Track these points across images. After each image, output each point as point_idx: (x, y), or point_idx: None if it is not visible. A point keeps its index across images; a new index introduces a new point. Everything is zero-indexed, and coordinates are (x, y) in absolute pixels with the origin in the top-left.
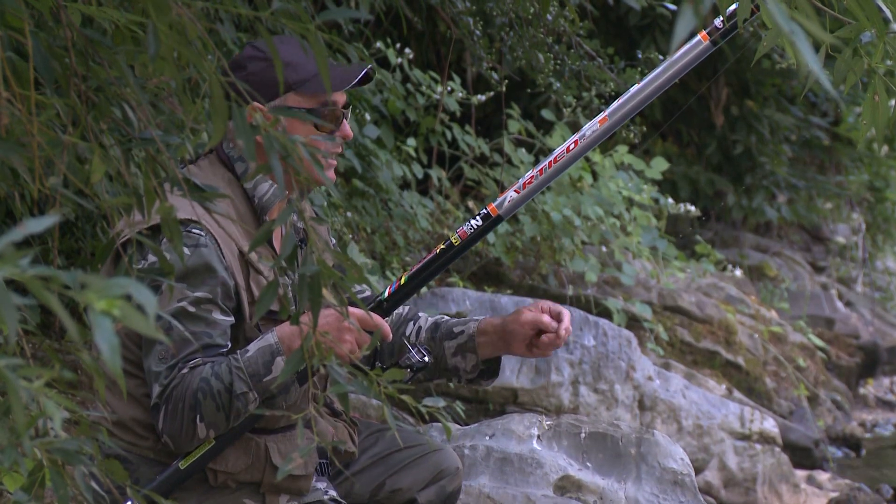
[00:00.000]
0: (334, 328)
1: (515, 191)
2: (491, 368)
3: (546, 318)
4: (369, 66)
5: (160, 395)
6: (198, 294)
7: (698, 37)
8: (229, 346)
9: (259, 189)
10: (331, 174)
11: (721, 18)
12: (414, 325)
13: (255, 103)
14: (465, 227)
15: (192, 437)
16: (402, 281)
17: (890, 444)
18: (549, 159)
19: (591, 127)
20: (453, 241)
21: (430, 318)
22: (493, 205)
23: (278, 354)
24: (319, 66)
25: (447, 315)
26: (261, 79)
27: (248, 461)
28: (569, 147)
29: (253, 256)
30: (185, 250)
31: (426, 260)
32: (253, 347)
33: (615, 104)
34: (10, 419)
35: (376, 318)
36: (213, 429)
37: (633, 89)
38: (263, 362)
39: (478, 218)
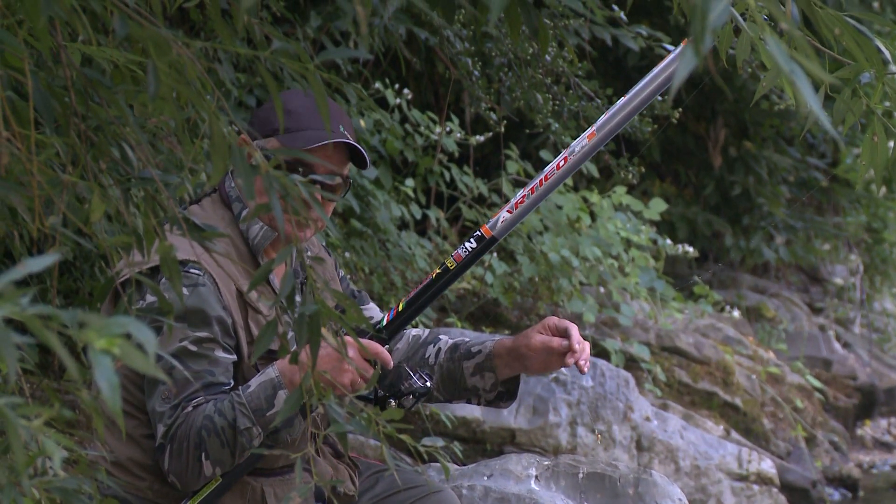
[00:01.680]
0: (334, 361)
1: (508, 211)
2: (510, 390)
3: (556, 342)
4: (354, 144)
5: (164, 435)
6: (199, 333)
7: (682, 45)
8: (232, 383)
9: (251, 231)
10: (302, 233)
11: None
12: (434, 346)
13: (243, 136)
14: (459, 251)
15: (199, 475)
16: (400, 307)
17: (887, 486)
18: (540, 177)
19: (580, 143)
20: (448, 265)
21: (450, 340)
22: (487, 226)
23: (280, 388)
24: (319, 104)
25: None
26: (263, 115)
27: None
28: (559, 164)
29: (252, 296)
30: (184, 290)
31: (423, 285)
32: (254, 383)
33: (603, 118)
34: (9, 458)
35: (375, 346)
36: (218, 466)
37: (620, 102)
38: (265, 397)
39: (472, 240)
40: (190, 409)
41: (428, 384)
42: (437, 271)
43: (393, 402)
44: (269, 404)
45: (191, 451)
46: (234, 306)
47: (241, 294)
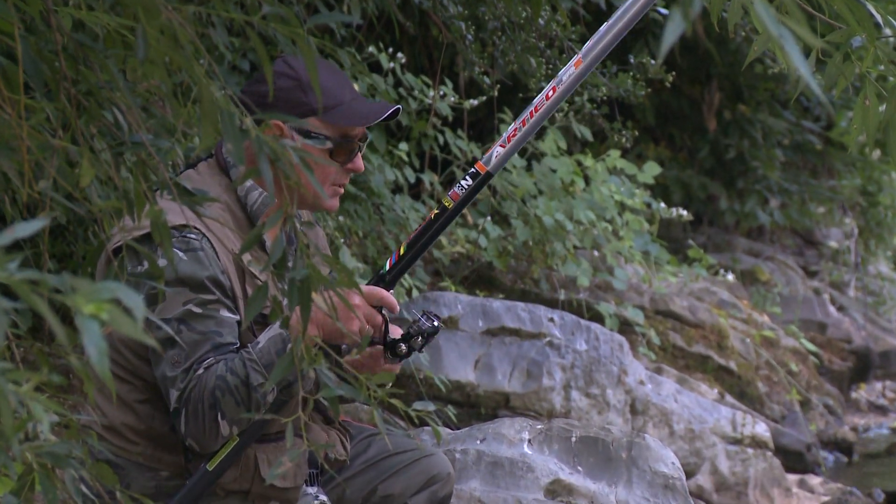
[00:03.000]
0: (340, 311)
1: (501, 145)
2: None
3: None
4: (397, 107)
5: (179, 399)
6: (203, 296)
7: None
8: (239, 343)
9: (250, 197)
10: (335, 202)
11: None
12: None
13: (276, 121)
14: (456, 189)
15: (216, 436)
16: (401, 251)
17: (882, 449)
18: (530, 109)
19: (567, 71)
20: (446, 203)
21: None
22: (481, 161)
23: (289, 342)
24: (309, 71)
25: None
26: (287, 97)
27: (237, 471)
28: (548, 94)
29: (248, 260)
30: (183, 255)
31: (422, 227)
32: (263, 338)
33: (588, 44)
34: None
35: (380, 291)
36: (235, 425)
37: (604, 27)
38: (276, 351)
39: (467, 177)
40: (202, 371)
41: (436, 324)
42: (435, 212)
43: (403, 346)
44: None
45: (206, 413)
46: (232, 270)
47: (238, 259)
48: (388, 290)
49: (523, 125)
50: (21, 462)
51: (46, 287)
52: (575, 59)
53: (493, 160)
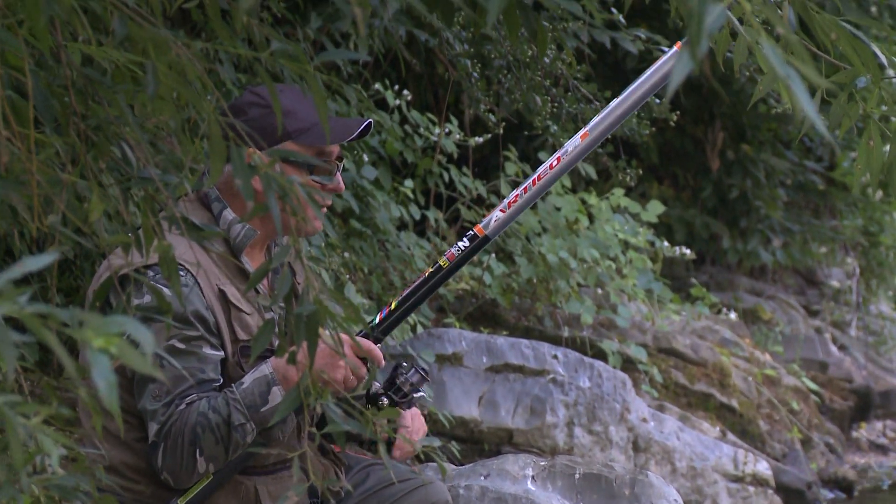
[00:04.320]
0: (327, 358)
1: (501, 210)
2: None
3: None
4: (369, 120)
5: (158, 433)
6: (186, 332)
7: (675, 48)
8: (221, 380)
9: (233, 230)
10: (320, 223)
11: None
12: None
13: (253, 149)
14: (452, 250)
15: (193, 471)
16: (393, 306)
17: (883, 487)
18: (533, 177)
19: (574, 143)
20: (442, 263)
21: None
22: (480, 225)
23: (274, 384)
24: (318, 107)
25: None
26: (260, 125)
27: (237, 503)
28: (552, 164)
29: (233, 294)
30: (167, 291)
31: (415, 284)
32: (248, 379)
33: (595, 119)
34: (7, 455)
35: (368, 343)
36: (212, 462)
37: (612, 104)
38: (259, 393)
39: (465, 240)
40: (183, 406)
41: (426, 379)
42: (430, 270)
43: (385, 400)
44: (262, 400)
45: (185, 448)
46: (217, 306)
47: (222, 293)
48: (377, 344)
49: (525, 192)
50: (29, 495)
51: (56, 321)
52: (581, 132)
53: (492, 224)
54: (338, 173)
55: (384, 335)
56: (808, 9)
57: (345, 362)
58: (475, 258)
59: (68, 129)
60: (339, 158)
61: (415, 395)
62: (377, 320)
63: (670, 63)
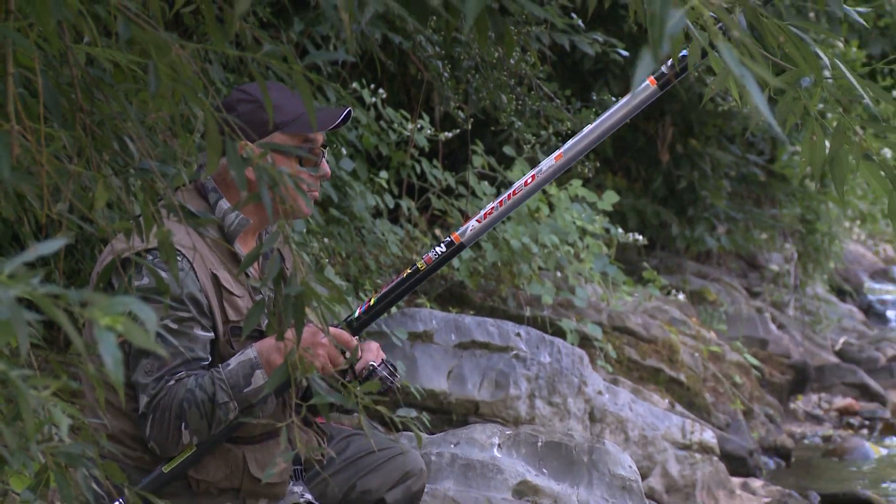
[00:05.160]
0: (309, 343)
1: (477, 220)
2: None
3: None
4: (349, 108)
5: (148, 405)
6: (179, 313)
7: (647, 81)
8: (210, 359)
9: (227, 218)
10: (310, 208)
11: (669, 64)
12: None
13: (245, 142)
14: (430, 254)
15: (177, 443)
16: (372, 302)
17: (817, 455)
18: (509, 192)
19: (548, 163)
20: (420, 266)
21: None
22: (457, 233)
23: (257, 367)
24: (305, 102)
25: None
26: (249, 119)
27: (227, 470)
28: (527, 181)
29: (225, 278)
30: (165, 274)
31: (394, 283)
32: (234, 361)
33: (570, 143)
34: (19, 425)
35: (346, 335)
36: (196, 435)
37: (586, 129)
38: (244, 375)
39: (442, 245)
40: (172, 382)
41: (396, 377)
42: (408, 271)
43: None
44: (246, 382)
45: (172, 421)
46: (210, 289)
47: (215, 277)
48: (355, 336)
49: (500, 205)
50: (37, 461)
51: (65, 301)
52: (556, 153)
53: (468, 233)
54: (323, 160)
55: (362, 329)
56: (758, 15)
57: (325, 350)
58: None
59: (74, 123)
60: (324, 146)
61: (392, 384)
62: (357, 314)
63: (643, 94)
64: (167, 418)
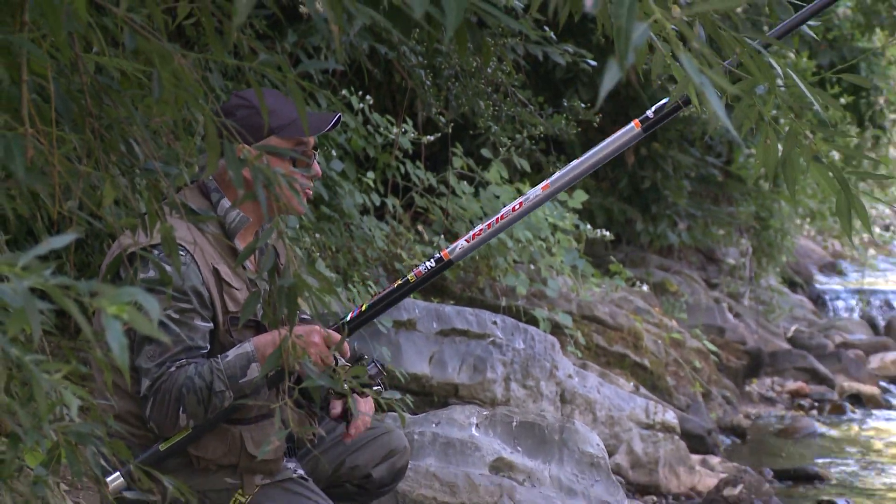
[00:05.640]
0: (303, 332)
1: (466, 240)
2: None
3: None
4: (339, 114)
5: (149, 388)
6: (181, 305)
7: (632, 124)
8: (209, 347)
9: (229, 216)
10: (301, 209)
11: (653, 109)
12: None
13: (242, 144)
14: (420, 268)
15: (175, 424)
16: (363, 308)
17: (770, 434)
18: (497, 216)
19: (535, 192)
20: (410, 278)
21: None
22: (446, 251)
23: (253, 361)
24: (298, 107)
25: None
26: (247, 123)
27: (226, 448)
28: (514, 207)
29: (225, 272)
30: (169, 269)
31: (386, 292)
32: (232, 353)
33: (556, 175)
34: (32, 406)
35: (338, 336)
36: (192, 419)
37: (572, 164)
38: (240, 366)
39: (432, 261)
40: (174, 368)
41: (383, 374)
42: (399, 282)
43: (345, 386)
44: (242, 373)
45: (171, 404)
46: (212, 282)
47: (216, 271)
48: (346, 338)
49: (488, 228)
50: (50, 439)
51: (75, 291)
52: (543, 184)
53: (457, 251)
54: (314, 161)
55: (354, 331)
56: (716, 27)
57: (315, 349)
58: (426, 238)
59: (84, 127)
60: (315, 148)
61: (373, 388)
62: (349, 318)
63: (627, 135)
64: (167, 402)
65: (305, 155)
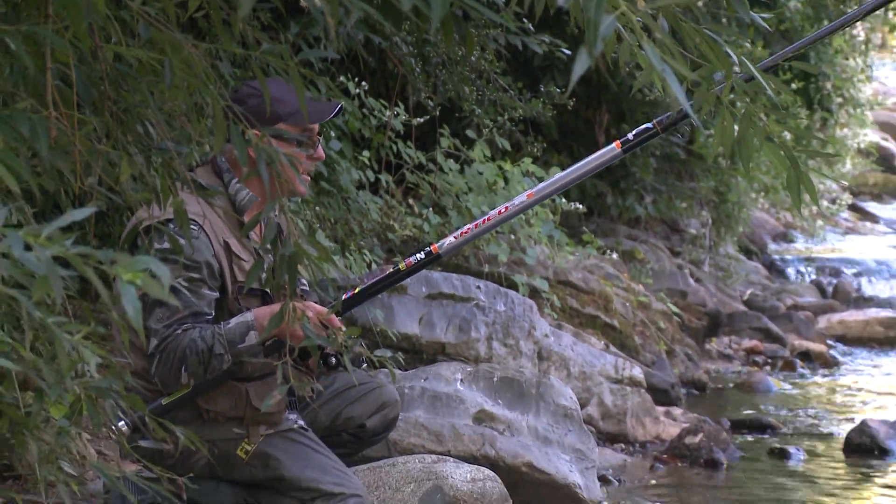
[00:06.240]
0: (302, 305)
1: (454, 237)
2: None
3: None
4: (340, 104)
5: (156, 347)
6: (191, 274)
7: (613, 144)
8: (213, 314)
9: (239, 195)
10: (305, 188)
11: (633, 133)
12: None
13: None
14: (411, 259)
15: (177, 381)
16: (356, 291)
17: (728, 388)
18: (484, 217)
19: (520, 198)
20: (401, 267)
21: None
22: (436, 245)
23: (252, 329)
24: (298, 93)
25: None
26: (257, 111)
27: (233, 402)
28: (500, 211)
29: (235, 245)
30: (182, 241)
31: (378, 278)
32: (234, 321)
33: (540, 185)
34: (56, 363)
35: (329, 315)
36: (193, 377)
37: (556, 176)
38: (240, 333)
39: (422, 254)
40: (180, 331)
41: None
42: (391, 269)
43: (332, 359)
44: (240, 339)
45: (175, 363)
46: (222, 255)
47: (227, 244)
48: (339, 316)
49: (475, 227)
50: (72, 393)
51: (94, 259)
52: (528, 192)
53: (445, 246)
54: (318, 146)
55: (346, 310)
56: (678, 19)
57: (311, 314)
58: (416, 211)
59: (103, 110)
60: (319, 133)
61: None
62: (342, 299)
63: (608, 154)
64: (171, 360)
65: (311, 140)
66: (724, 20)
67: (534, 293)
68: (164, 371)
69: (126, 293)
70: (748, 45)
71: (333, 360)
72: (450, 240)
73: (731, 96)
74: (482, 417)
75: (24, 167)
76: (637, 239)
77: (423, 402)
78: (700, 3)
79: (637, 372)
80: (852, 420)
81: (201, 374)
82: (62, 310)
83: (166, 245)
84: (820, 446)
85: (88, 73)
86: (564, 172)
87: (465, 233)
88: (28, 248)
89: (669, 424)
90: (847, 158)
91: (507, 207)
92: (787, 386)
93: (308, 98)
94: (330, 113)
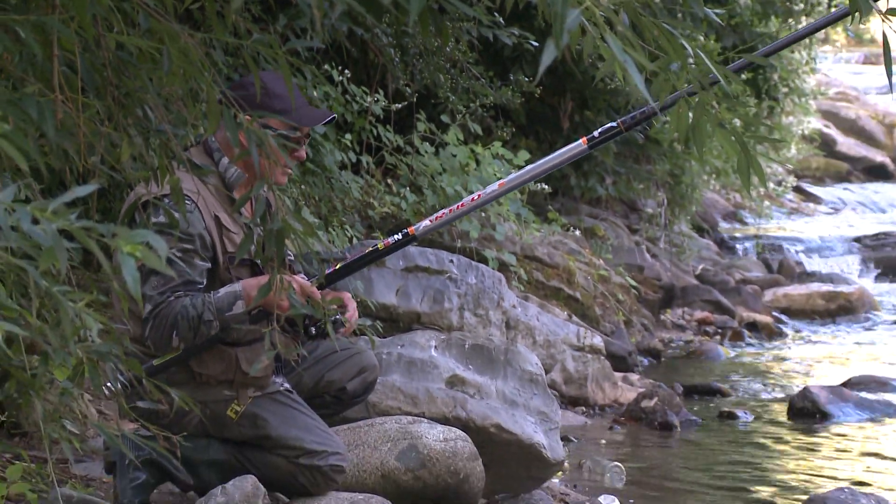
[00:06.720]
0: (289, 277)
1: (430, 220)
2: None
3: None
4: (333, 115)
5: (150, 313)
6: (185, 245)
7: (580, 140)
8: (205, 283)
9: (228, 172)
10: (284, 179)
11: (599, 131)
12: None
13: (247, 115)
14: (389, 239)
15: (168, 345)
16: (337, 267)
17: (681, 356)
18: (458, 203)
19: (492, 188)
20: (380, 246)
21: None
22: (413, 227)
23: (239, 298)
24: (287, 86)
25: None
26: (253, 98)
27: (223, 366)
28: (473, 198)
29: (225, 219)
30: (176, 215)
31: (358, 256)
32: (223, 291)
33: (511, 176)
34: (60, 329)
35: (312, 288)
36: (183, 342)
37: (525, 169)
38: (228, 302)
39: (400, 235)
40: (173, 298)
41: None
42: (371, 248)
43: (313, 330)
44: (228, 308)
45: (167, 328)
46: (213, 227)
47: (217, 218)
48: (321, 290)
49: (450, 212)
50: (75, 357)
51: (96, 233)
52: (499, 181)
53: (422, 228)
54: (303, 148)
55: (328, 285)
56: (638, 14)
57: (297, 285)
58: (394, 190)
59: (106, 95)
60: (307, 136)
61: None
62: (325, 273)
63: (574, 150)
64: (163, 325)
65: (295, 140)
66: (679, 15)
67: (503, 267)
68: (156, 335)
69: (126, 264)
70: (701, 38)
71: (313, 329)
72: (426, 223)
73: (687, 86)
74: (454, 382)
75: (32, 147)
76: (598, 217)
77: (400, 367)
78: (658, 0)
79: (597, 340)
80: (796, 386)
81: (191, 339)
82: (66, 279)
83: (162, 219)
84: (766, 410)
85: (92, 60)
86: (533, 165)
87: (440, 217)
88: (35, 221)
89: (627, 389)
90: (792, 144)
91: (479, 195)
92: (735, 354)
93: (306, 103)
94: (322, 120)
